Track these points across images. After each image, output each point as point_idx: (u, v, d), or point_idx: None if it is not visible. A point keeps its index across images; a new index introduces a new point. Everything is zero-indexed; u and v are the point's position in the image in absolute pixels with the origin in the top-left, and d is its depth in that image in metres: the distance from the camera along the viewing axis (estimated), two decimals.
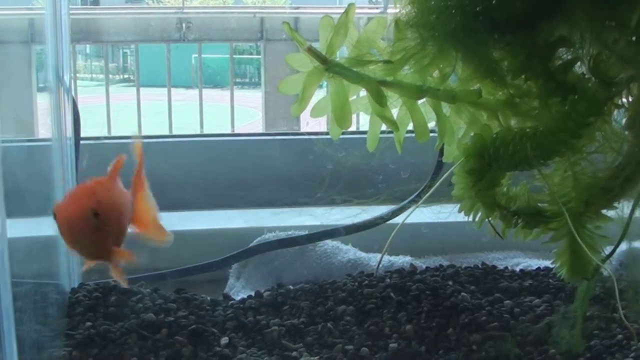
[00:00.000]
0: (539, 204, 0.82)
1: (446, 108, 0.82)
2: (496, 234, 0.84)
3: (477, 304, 0.95)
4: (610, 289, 0.85)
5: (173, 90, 2.14)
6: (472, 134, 0.81)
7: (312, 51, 0.78)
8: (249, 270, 1.14)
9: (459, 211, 0.84)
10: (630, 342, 0.86)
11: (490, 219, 0.83)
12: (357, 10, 0.80)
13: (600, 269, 0.83)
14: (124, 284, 0.80)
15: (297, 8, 1.98)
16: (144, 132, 1.67)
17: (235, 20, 1.91)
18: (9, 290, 0.60)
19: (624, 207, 0.80)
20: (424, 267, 1.12)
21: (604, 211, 0.81)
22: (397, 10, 0.77)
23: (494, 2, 0.71)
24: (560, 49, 0.74)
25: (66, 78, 1.01)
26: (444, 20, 0.72)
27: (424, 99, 0.82)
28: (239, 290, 1.10)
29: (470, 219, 0.84)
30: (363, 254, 1.17)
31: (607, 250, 0.83)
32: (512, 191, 0.82)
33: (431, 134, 0.85)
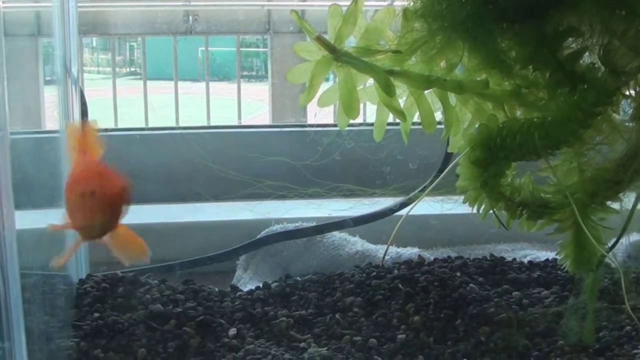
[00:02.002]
0: (544, 195, 0.82)
1: (452, 98, 0.82)
2: (500, 225, 0.84)
3: (485, 296, 0.95)
4: (618, 280, 0.84)
5: (180, 83, 2.13)
6: (477, 124, 0.81)
7: (321, 40, 0.78)
8: (256, 262, 1.15)
9: (464, 202, 0.84)
10: (639, 333, 0.86)
11: (494, 210, 0.83)
12: (365, 2, 0.80)
13: (604, 261, 0.83)
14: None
15: (304, 0, 1.98)
16: (151, 125, 1.67)
17: (242, 13, 1.91)
18: (18, 281, 0.60)
19: (631, 199, 0.79)
20: (432, 258, 1.12)
21: (608, 203, 0.80)
22: (405, 2, 0.77)
23: None
24: (569, 39, 0.73)
25: (74, 70, 1.01)
26: (454, 9, 0.72)
27: (430, 89, 0.81)
28: (246, 282, 1.10)
29: (475, 210, 0.84)
30: (371, 246, 1.17)
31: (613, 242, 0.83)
32: (516, 182, 0.82)
33: (438, 126, 0.85)
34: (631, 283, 0.90)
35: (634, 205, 0.79)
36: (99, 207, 0.69)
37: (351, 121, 0.85)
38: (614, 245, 0.83)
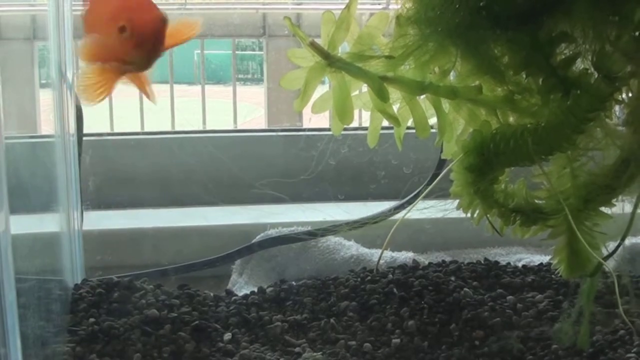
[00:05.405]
0: (537, 201, 0.82)
1: (445, 104, 0.82)
2: (494, 231, 0.84)
3: (479, 300, 0.95)
4: (612, 284, 0.85)
5: (175, 86, 2.13)
6: (471, 130, 0.82)
7: (314, 46, 0.78)
8: (251, 266, 1.15)
9: (457, 208, 0.84)
10: (633, 337, 0.86)
11: (488, 216, 0.83)
12: (359, 6, 0.80)
13: (602, 266, 0.83)
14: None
15: (300, 4, 1.98)
16: (147, 129, 1.68)
17: (237, 16, 1.91)
18: (13, 287, 0.61)
19: (625, 204, 0.80)
20: (426, 262, 1.12)
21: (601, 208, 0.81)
22: (399, 6, 0.77)
23: None
24: (562, 45, 0.74)
25: (69, 74, 1.01)
26: (447, 15, 0.72)
27: (424, 95, 0.82)
28: (241, 286, 1.10)
29: (469, 215, 0.84)
30: (366, 250, 1.17)
31: (609, 246, 0.83)
32: (510, 188, 0.82)
33: (432, 130, 0.85)
34: (625, 287, 0.90)
35: (634, 210, 0.79)
36: (140, 43, 0.67)
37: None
38: (614, 251, 0.83)
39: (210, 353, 0.86)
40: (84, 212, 1.08)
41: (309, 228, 1.17)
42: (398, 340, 0.87)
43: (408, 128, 0.87)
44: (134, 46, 0.68)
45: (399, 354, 0.86)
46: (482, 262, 1.12)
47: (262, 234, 1.17)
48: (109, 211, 1.25)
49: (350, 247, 1.17)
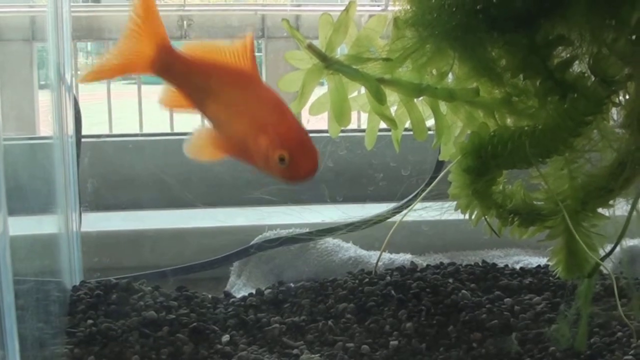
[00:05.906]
0: (535, 202, 0.82)
1: (443, 106, 0.82)
2: (492, 232, 0.84)
3: (477, 302, 0.95)
4: (610, 286, 0.85)
5: None
6: (469, 132, 0.82)
7: (312, 48, 0.78)
8: (250, 268, 1.15)
9: (455, 209, 0.85)
10: (630, 339, 0.86)
11: (486, 217, 0.83)
12: (358, 8, 0.80)
13: (599, 267, 0.83)
14: None
15: (299, 6, 1.98)
16: (145, 131, 1.68)
17: (236, 18, 1.91)
18: (11, 288, 0.61)
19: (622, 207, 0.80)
20: (424, 264, 1.12)
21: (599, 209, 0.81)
22: (397, 9, 0.77)
23: (494, 0, 0.71)
24: (559, 48, 0.74)
25: (67, 76, 1.01)
26: (444, 18, 0.72)
27: (421, 97, 0.82)
28: (240, 288, 1.10)
29: (467, 217, 0.84)
30: (364, 252, 1.17)
31: (607, 248, 0.83)
32: (507, 189, 0.83)
33: (429, 132, 0.85)
34: (623, 288, 0.91)
35: (630, 212, 0.79)
36: (283, 175, 0.67)
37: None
38: (610, 252, 0.83)
39: (208, 355, 0.86)
40: (82, 214, 1.09)
41: (307, 230, 1.17)
42: (396, 342, 0.87)
43: (406, 130, 0.87)
44: (279, 173, 0.68)
45: (397, 356, 0.86)
46: (480, 264, 1.12)
47: (260, 236, 1.17)
48: (108, 213, 1.25)
49: (348, 249, 1.17)
